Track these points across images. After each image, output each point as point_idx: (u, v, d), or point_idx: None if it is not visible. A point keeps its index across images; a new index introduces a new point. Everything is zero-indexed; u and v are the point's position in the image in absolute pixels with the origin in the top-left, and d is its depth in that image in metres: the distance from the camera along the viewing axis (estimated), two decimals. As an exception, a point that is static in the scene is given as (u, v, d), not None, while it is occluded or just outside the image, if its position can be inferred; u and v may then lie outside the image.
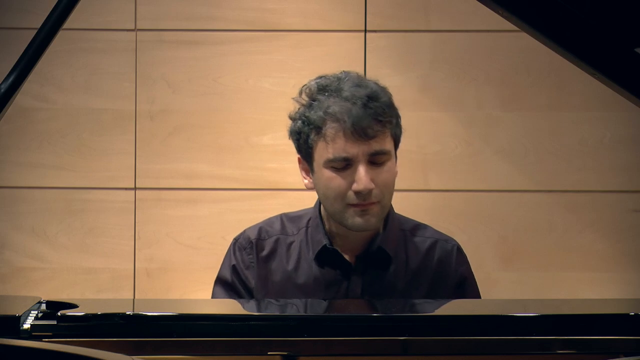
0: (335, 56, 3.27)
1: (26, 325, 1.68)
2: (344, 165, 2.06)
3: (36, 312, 1.76)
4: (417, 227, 2.24)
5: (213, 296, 2.23)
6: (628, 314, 1.71)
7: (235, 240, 2.24)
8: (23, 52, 1.74)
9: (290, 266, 2.17)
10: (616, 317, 1.72)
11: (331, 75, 2.12)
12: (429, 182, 3.28)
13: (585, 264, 3.27)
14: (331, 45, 3.28)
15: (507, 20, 1.58)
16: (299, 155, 2.16)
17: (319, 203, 2.19)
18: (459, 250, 2.23)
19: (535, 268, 3.27)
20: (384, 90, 2.11)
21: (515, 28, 1.60)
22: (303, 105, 2.11)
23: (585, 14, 1.52)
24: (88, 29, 3.29)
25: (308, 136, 2.09)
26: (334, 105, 2.05)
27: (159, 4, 3.30)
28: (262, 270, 2.18)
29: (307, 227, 2.20)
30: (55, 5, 1.74)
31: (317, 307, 2.05)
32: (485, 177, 3.28)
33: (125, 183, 3.31)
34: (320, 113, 2.06)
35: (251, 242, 2.21)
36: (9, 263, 3.31)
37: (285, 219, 2.24)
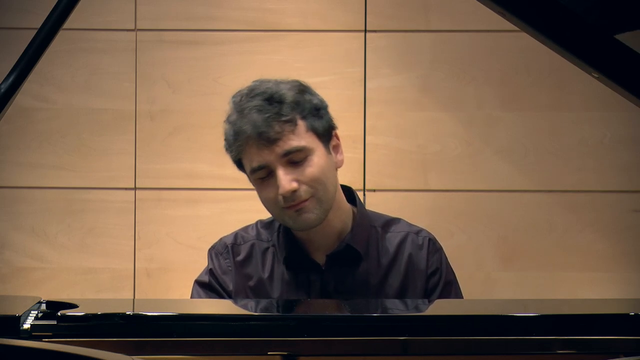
0: (335, 56, 3.27)
1: (26, 325, 1.68)
2: (267, 174, 2.08)
3: (36, 312, 1.76)
4: (389, 223, 2.24)
5: (191, 297, 2.24)
6: (628, 314, 1.71)
7: (212, 247, 2.26)
8: (23, 52, 1.74)
9: (265, 271, 2.18)
10: (616, 317, 1.72)
11: (245, 89, 2.14)
12: (429, 182, 3.28)
13: (585, 264, 3.27)
14: (331, 45, 3.28)
15: (507, 20, 1.58)
16: None
17: None
18: (431, 241, 2.21)
19: (535, 268, 3.27)
20: (287, 86, 2.11)
21: (515, 28, 1.60)
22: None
23: (585, 14, 1.52)
24: (88, 29, 3.29)
25: (233, 156, 2.13)
26: (238, 122, 2.08)
27: (159, 4, 3.31)
28: (239, 274, 2.19)
29: (278, 232, 2.21)
30: (55, 5, 1.74)
31: (317, 307, 2.05)
32: (485, 177, 3.28)
33: (125, 183, 3.31)
34: (231, 132, 2.10)
35: (227, 247, 2.22)
36: (9, 263, 3.31)
37: (260, 225, 2.26)
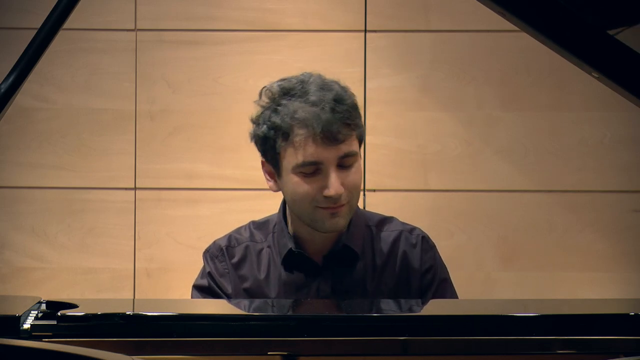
0: (335, 56, 3.27)
1: (26, 325, 1.68)
2: (313, 170, 2.05)
3: (36, 312, 1.76)
4: (383, 222, 2.23)
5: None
6: (628, 314, 1.71)
7: (207, 250, 2.24)
8: (23, 52, 1.74)
9: (262, 272, 2.17)
10: (616, 317, 1.72)
11: (293, 78, 2.10)
12: (429, 182, 3.28)
13: (585, 264, 3.27)
14: (331, 45, 3.28)
15: (507, 20, 1.58)
16: (262, 159, 2.14)
17: (282, 207, 2.20)
18: (424, 239, 2.21)
19: (535, 268, 3.27)
20: (347, 91, 2.09)
21: (515, 28, 1.60)
22: (266, 109, 2.08)
23: (584, 13, 1.52)
24: (88, 29, 3.29)
25: (275, 142, 2.06)
26: (301, 111, 2.03)
27: (159, 4, 3.31)
28: (235, 276, 2.18)
29: (273, 232, 2.20)
30: (55, 5, 1.74)
31: (317, 307, 2.05)
32: (485, 177, 3.28)
33: (125, 183, 3.31)
34: (287, 119, 2.03)
35: (222, 249, 2.21)
36: (9, 263, 3.31)
37: (253, 226, 2.24)
